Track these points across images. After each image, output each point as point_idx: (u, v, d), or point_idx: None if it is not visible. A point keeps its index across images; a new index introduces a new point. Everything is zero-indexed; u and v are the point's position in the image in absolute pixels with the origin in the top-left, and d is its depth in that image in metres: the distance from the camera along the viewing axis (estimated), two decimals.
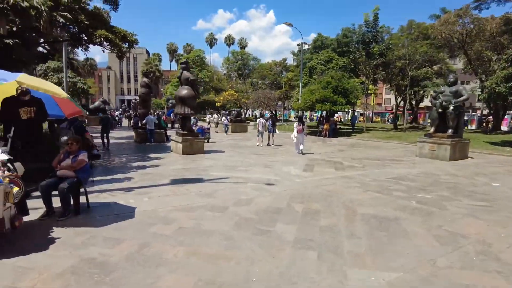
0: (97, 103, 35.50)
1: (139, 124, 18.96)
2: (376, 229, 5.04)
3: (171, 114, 33.99)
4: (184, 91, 13.30)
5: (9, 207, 4.17)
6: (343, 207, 6.18)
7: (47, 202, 5.26)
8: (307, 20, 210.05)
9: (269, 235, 4.70)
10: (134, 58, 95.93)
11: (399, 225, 5.22)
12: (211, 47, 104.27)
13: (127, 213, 5.65)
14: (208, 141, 18.65)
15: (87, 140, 7.80)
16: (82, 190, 5.68)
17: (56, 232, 4.69)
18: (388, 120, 53.74)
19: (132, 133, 20.71)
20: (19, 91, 4.92)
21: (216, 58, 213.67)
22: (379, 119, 58.55)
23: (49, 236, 4.52)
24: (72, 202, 5.47)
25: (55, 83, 24.24)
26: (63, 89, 21.60)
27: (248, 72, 64.96)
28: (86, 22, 10.62)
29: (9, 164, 4.39)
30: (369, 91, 39.74)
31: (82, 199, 5.76)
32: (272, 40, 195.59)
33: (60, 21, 8.40)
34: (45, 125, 10.96)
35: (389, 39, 31.20)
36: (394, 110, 38.89)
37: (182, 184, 8.02)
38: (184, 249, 4.19)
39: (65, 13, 8.40)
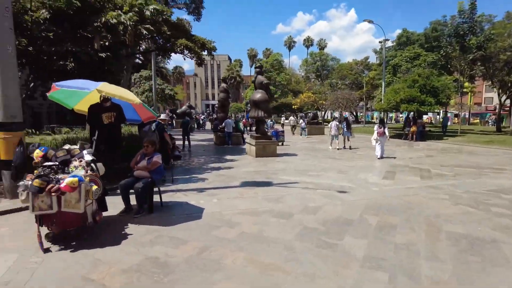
0: (183, 107, 38.54)
1: (218, 128, 19.87)
2: (466, 252, 4.25)
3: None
4: (258, 94, 13.45)
5: (91, 203, 4.61)
6: (426, 223, 5.41)
7: (125, 200, 5.72)
8: (391, 16, 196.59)
9: (335, 249, 4.32)
10: (218, 65, 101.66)
11: (498, 250, 4.33)
12: (289, 50, 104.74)
13: (195, 213, 5.82)
14: (282, 144, 18.60)
15: (167, 143, 8.43)
16: (157, 189, 6.05)
17: (130, 228, 5.04)
18: (489, 122, 46.90)
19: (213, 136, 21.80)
20: (101, 98, 5.47)
21: (294, 61, 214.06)
22: (477, 120, 51.47)
23: (123, 232, 4.87)
24: (146, 201, 5.84)
25: (146, 90, 26.98)
26: (151, 95, 23.89)
27: (327, 73, 63.39)
28: (168, 33, 11.52)
29: (92, 164, 4.86)
30: (464, 90, 35.15)
31: (157, 198, 6.14)
32: (353, 39, 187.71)
33: (144, 33, 9.27)
34: (135, 129, 12.16)
35: (491, 29, 27.10)
36: (497, 111, 33.65)
37: (251, 187, 8.03)
38: (243, 255, 4.09)
39: (147, 26, 9.24)
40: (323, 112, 49.59)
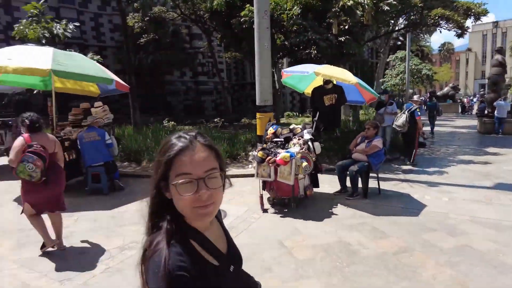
0: (446, 89, 33.79)
1: (485, 112, 16.05)
2: None
3: None
4: None
5: (303, 178, 5.05)
6: None
7: (341, 180, 5.81)
8: None
9: None
10: (503, 33, 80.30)
11: None
12: None
13: (413, 209, 5.11)
14: None
15: (417, 126, 8.05)
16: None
17: (338, 209, 5.12)
18: None
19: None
20: (324, 81, 5.73)
21: None
22: None
23: (330, 210, 5.02)
24: (361, 185, 5.70)
25: (401, 72, 25.45)
26: (404, 76, 22.30)
27: None
28: (420, 5, 10.18)
29: (309, 143, 5.27)
30: None
31: (375, 184, 5.86)
32: None
33: (385, 9, 8.63)
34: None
35: None
36: None
37: (508, 191, 6.03)
38: (451, 274, 3.22)
39: (389, 1, 8.53)
40: None
